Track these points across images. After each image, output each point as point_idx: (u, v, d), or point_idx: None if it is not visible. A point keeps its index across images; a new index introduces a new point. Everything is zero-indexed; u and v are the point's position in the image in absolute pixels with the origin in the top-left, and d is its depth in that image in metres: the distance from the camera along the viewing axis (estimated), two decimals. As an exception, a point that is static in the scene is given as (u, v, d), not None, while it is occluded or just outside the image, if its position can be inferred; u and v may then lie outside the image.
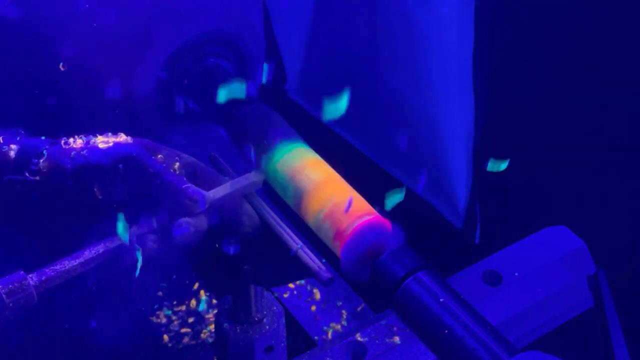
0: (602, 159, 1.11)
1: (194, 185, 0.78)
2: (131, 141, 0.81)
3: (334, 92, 1.21)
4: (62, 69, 1.02)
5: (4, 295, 0.69)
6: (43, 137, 0.82)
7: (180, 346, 1.01)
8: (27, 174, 0.78)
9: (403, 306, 0.77)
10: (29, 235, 0.81)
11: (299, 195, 0.88)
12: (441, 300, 0.75)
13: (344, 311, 1.09)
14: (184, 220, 0.76)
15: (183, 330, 1.05)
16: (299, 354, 0.97)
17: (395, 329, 0.99)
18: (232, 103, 1.07)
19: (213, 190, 0.80)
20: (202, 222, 0.78)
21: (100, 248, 0.75)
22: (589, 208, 1.12)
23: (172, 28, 1.13)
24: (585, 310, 1.08)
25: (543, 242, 1.09)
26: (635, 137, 1.07)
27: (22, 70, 1.17)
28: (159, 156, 0.81)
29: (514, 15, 1.09)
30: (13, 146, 0.80)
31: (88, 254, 0.74)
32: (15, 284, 0.70)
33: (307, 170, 0.89)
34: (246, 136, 1.00)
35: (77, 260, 0.73)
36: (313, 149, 0.93)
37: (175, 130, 1.20)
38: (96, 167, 0.77)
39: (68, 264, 0.73)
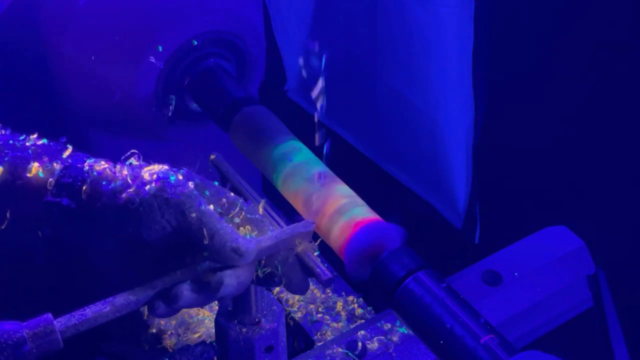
0: (602, 159, 1.11)
1: (243, 236, 0.73)
2: (181, 177, 0.74)
3: (334, 92, 1.21)
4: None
5: (28, 339, 0.65)
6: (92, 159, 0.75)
7: (180, 346, 1.01)
8: (65, 198, 0.72)
9: (403, 306, 0.77)
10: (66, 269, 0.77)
11: (300, 196, 0.88)
12: (441, 300, 0.75)
13: (344, 311, 1.09)
14: (227, 274, 0.72)
15: (183, 330, 1.05)
16: (298, 354, 0.97)
17: (395, 328, 0.99)
18: (232, 104, 1.08)
19: (260, 238, 0.75)
20: (246, 275, 0.74)
21: (132, 296, 0.70)
22: (589, 208, 1.12)
23: (173, 28, 1.13)
24: (585, 310, 1.08)
25: (543, 242, 1.09)
26: (636, 136, 1.07)
27: (21, 69, 1.17)
28: (206, 193, 0.75)
29: (513, 15, 1.09)
30: (57, 165, 0.74)
31: (119, 301, 0.70)
32: (41, 328, 0.66)
33: (306, 172, 0.89)
34: (245, 137, 1.00)
35: (107, 308, 0.69)
36: (313, 149, 0.93)
37: (175, 130, 1.21)
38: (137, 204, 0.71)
39: (97, 310, 0.69)
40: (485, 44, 0.98)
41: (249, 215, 0.76)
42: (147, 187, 0.71)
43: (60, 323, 0.67)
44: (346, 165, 0.93)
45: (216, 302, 1.09)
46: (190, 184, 0.73)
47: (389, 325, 0.99)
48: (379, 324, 0.99)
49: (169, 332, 1.05)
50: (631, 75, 1.05)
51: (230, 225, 0.73)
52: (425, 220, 1.13)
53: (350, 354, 0.96)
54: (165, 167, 0.74)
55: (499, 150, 1.14)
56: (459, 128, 1.03)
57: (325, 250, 0.83)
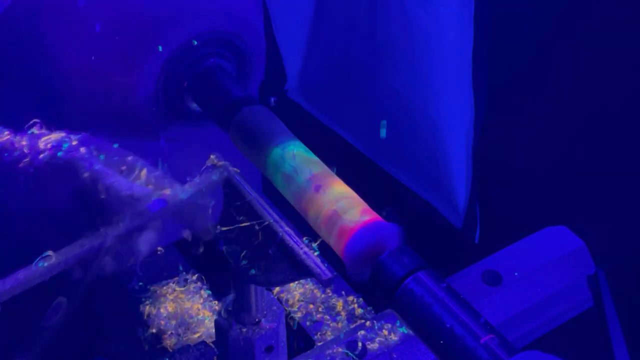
0: (602, 159, 1.11)
1: (138, 185, 0.78)
2: (75, 143, 0.79)
3: (334, 92, 1.21)
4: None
5: None
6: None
7: (180, 346, 1.01)
8: None
9: (403, 306, 0.77)
10: None
11: (299, 197, 0.88)
12: (441, 300, 0.75)
13: (344, 311, 1.09)
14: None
15: (183, 330, 1.05)
16: (299, 354, 0.97)
17: (395, 328, 0.99)
18: (232, 104, 1.08)
19: (176, 191, 0.80)
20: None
21: (61, 257, 0.74)
22: (589, 208, 1.12)
23: (172, 28, 1.13)
24: (585, 310, 1.08)
25: (543, 242, 1.09)
26: (636, 136, 1.07)
27: (20, 70, 1.17)
28: (101, 157, 0.80)
29: (513, 16, 1.09)
30: None
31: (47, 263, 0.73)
32: None
33: (305, 172, 0.89)
34: (245, 137, 1.00)
35: (37, 270, 0.73)
36: (313, 149, 0.93)
37: (175, 130, 1.20)
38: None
39: (30, 274, 0.72)
40: (485, 44, 0.98)
41: (149, 174, 0.81)
42: (41, 155, 0.77)
43: None
44: (346, 165, 0.93)
45: (216, 302, 1.09)
46: (82, 149, 0.78)
47: (389, 325, 0.99)
48: (379, 324, 0.99)
49: (169, 332, 1.05)
50: (631, 75, 1.05)
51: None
52: (425, 220, 1.13)
53: (350, 354, 0.96)
54: (62, 134, 0.79)
55: (499, 150, 1.14)
56: (459, 128, 1.03)
57: (325, 250, 0.83)
